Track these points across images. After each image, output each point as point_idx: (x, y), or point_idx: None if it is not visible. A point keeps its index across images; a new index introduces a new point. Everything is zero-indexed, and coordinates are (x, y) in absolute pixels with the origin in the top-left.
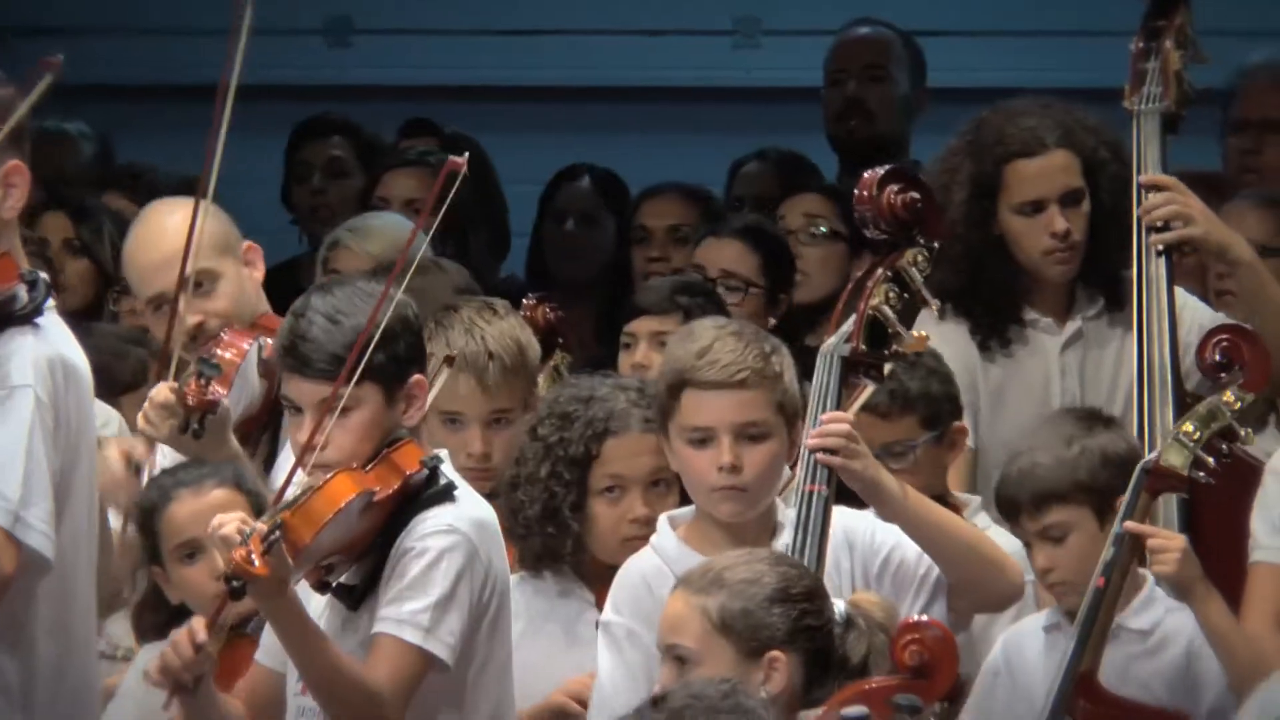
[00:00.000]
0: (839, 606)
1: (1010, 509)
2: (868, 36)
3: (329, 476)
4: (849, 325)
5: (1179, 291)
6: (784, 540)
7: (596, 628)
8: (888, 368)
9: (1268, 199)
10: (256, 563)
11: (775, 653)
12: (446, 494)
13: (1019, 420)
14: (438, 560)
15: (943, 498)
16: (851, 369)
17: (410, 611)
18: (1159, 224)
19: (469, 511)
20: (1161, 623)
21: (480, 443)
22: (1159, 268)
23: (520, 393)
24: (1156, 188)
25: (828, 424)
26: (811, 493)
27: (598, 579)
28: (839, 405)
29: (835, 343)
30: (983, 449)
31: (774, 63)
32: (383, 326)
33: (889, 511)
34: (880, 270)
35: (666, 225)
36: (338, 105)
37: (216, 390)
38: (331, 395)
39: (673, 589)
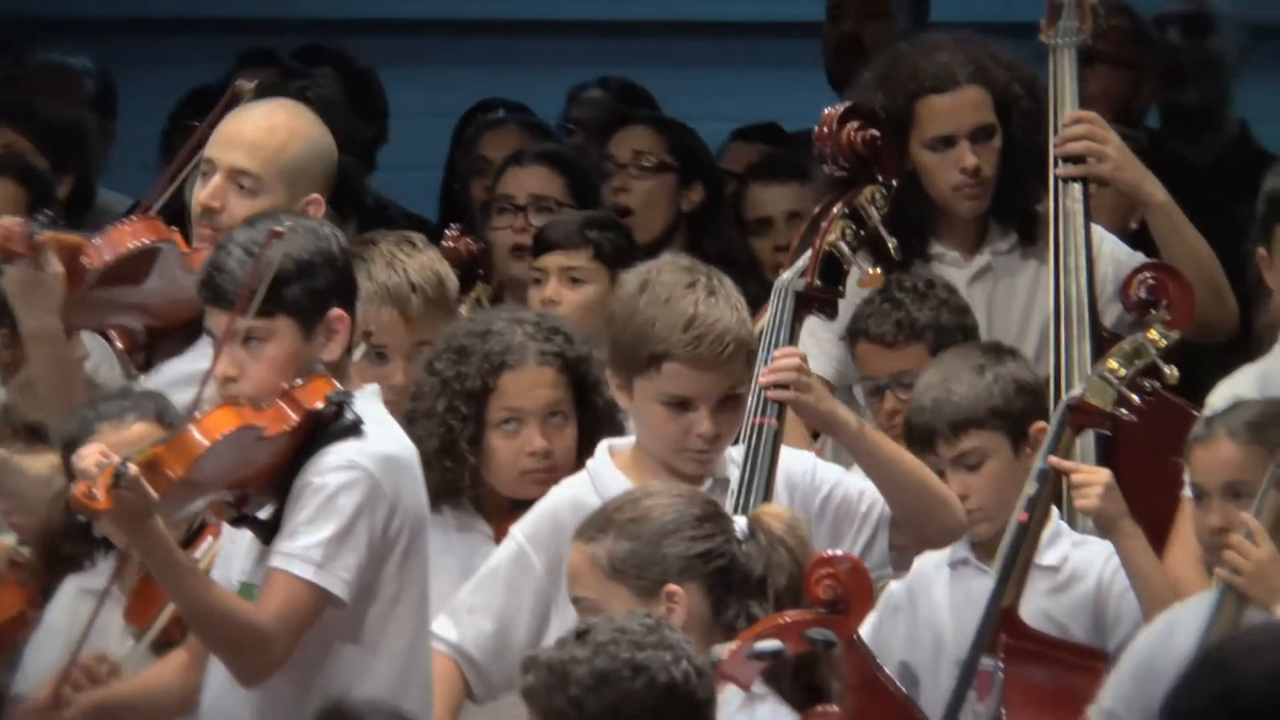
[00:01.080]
0: (740, 522)
1: (925, 436)
2: None
3: (209, 410)
4: (804, 260)
5: (1095, 228)
6: (730, 474)
7: None
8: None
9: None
10: (99, 497)
11: (671, 587)
12: (353, 429)
13: None
14: (335, 495)
15: None
16: (805, 304)
17: (303, 546)
18: (1071, 157)
19: (376, 447)
20: (1069, 558)
21: (403, 374)
22: (1075, 203)
23: (441, 324)
24: (1078, 122)
25: (779, 359)
26: (761, 425)
27: (497, 513)
28: (792, 340)
29: (790, 277)
30: None
31: None
32: (298, 259)
33: (844, 443)
34: (838, 206)
35: (504, 156)
36: (250, 39)
37: (32, 242)
38: (228, 326)
39: (573, 536)
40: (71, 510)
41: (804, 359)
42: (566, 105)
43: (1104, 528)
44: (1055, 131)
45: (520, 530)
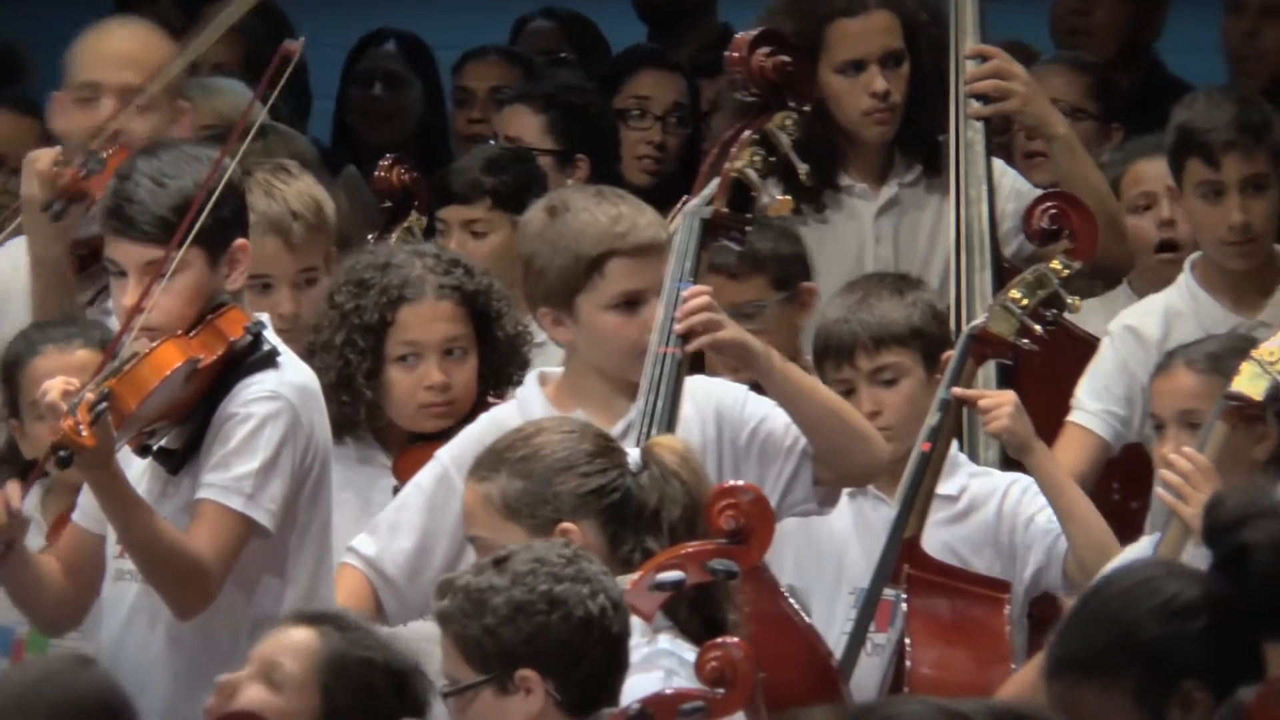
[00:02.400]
0: (633, 454)
1: (844, 349)
2: None
3: (155, 344)
4: (712, 187)
5: (996, 161)
6: (637, 404)
7: (393, 494)
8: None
9: (1076, 61)
10: (84, 433)
11: (566, 524)
12: (270, 360)
13: (831, 285)
14: (261, 426)
15: (794, 360)
16: (712, 231)
17: (234, 478)
18: (981, 95)
19: (292, 377)
20: (968, 487)
21: (290, 303)
22: (977, 134)
23: (323, 250)
24: (983, 58)
25: (689, 300)
26: (665, 355)
27: (397, 446)
28: (698, 267)
29: (697, 204)
30: None
31: None
32: (211, 190)
33: (759, 377)
34: (747, 132)
35: (488, 87)
36: None
37: (92, 186)
38: (164, 259)
39: (467, 475)
40: (12, 443)
41: (711, 294)
42: (512, 38)
43: (1016, 449)
44: (958, 64)
45: (446, 453)
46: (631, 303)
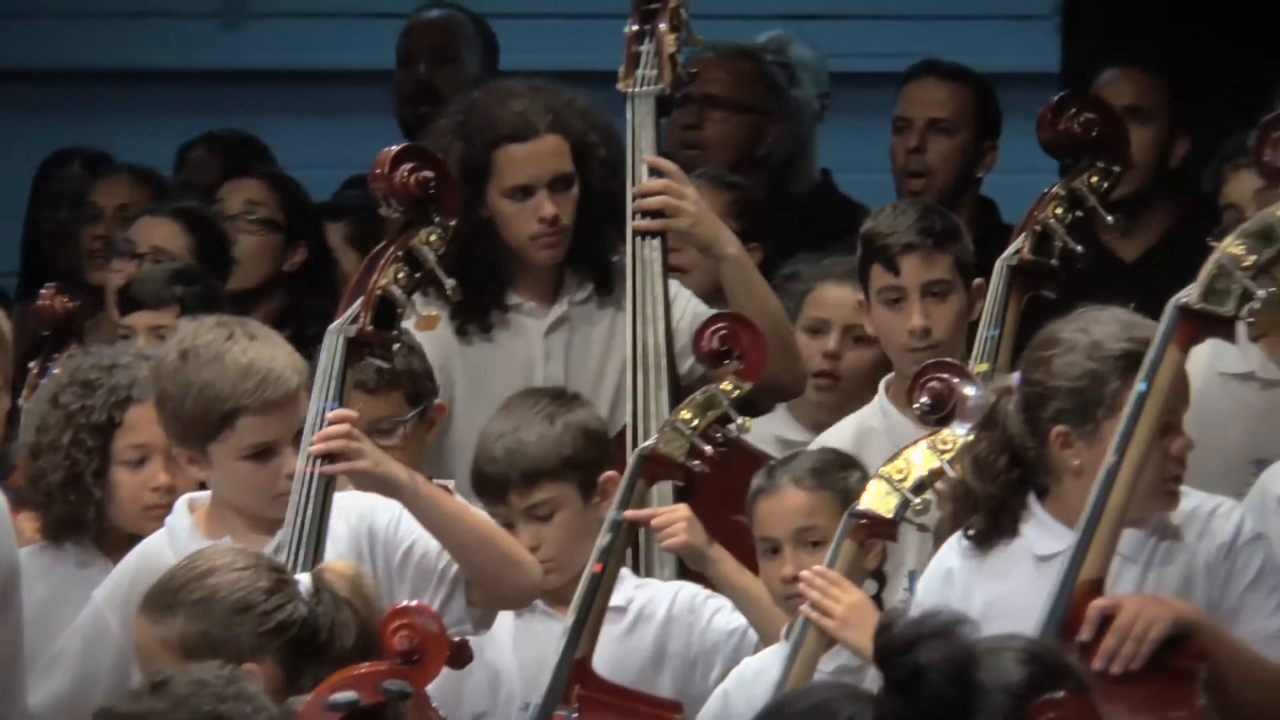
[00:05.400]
0: (304, 582)
1: (497, 488)
2: (437, 19)
3: None
4: (357, 306)
5: (671, 280)
6: (285, 525)
7: None
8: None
9: (719, 178)
10: None
11: (248, 665)
12: None
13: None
14: None
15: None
16: (356, 350)
17: None
18: (651, 212)
19: None
20: (634, 599)
21: None
22: (653, 252)
23: (2, 370)
24: (658, 173)
25: (331, 423)
26: (311, 475)
27: (117, 549)
28: (343, 388)
29: (342, 323)
30: (459, 434)
31: (259, 45)
32: None
33: (403, 503)
34: (391, 249)
35: (115, 204)
36: None
37: None
38: None
39: (137, 611)
40: None
41: (354, 420)
42: (177, 164)
43: (694, 560)
44: (634, 182)
45: (100, 592)
46: (264, 453)
